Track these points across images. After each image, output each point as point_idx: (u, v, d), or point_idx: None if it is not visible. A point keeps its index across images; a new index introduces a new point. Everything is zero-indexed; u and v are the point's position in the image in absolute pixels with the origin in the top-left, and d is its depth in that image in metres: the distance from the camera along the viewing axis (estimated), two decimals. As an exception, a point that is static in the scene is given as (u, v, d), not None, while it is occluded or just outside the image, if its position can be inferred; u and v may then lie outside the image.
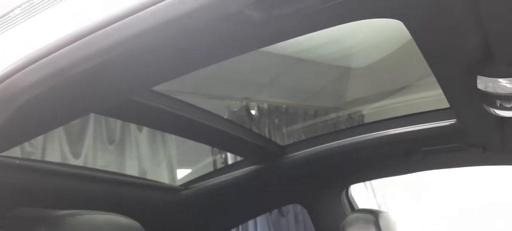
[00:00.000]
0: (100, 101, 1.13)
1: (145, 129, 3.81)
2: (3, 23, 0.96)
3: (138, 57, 0.94)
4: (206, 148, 4.23)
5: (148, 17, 0.80)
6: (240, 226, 4.14)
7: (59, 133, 3.27)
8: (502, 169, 3.64)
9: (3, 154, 1.46)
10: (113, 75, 0.99)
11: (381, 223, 1.72)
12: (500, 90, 1.18)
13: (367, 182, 4.70)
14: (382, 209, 4.34)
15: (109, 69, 0.95)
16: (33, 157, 2.81)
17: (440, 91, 1.40)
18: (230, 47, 0.97)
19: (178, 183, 2.83)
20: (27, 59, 0.87)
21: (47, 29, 0.89)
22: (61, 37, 0.86)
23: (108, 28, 0.84)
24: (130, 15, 0.82)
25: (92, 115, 3.44)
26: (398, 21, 0.97)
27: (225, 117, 3.55)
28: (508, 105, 1.24)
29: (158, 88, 1.45)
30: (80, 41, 0.85)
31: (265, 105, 4.33)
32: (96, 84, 1.00)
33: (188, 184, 2.13)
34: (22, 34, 0.93)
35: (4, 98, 0.89)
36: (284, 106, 4.41)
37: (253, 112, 4.30)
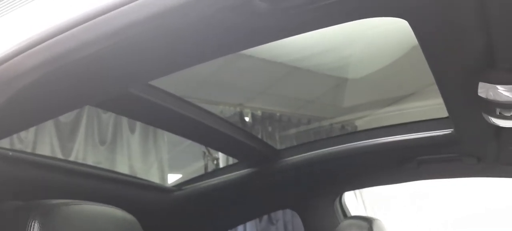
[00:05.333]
0: (98, 92, 1.12)
1: (137, 132, 3.79)
2: (5, 5, 0.94)
3: (139, 48, 0.93)
4: (198, 152, 4.21)
5: (152, 2, 0.79)
6: (229, 232, 4.12)
7: (50, 135, 3.24)
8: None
9: (-5, 144, 1.44)
10: (111, 64, 0.98)
11: (375, 230, 1.71)
12: (500, 98, 1.18)
13: (358, 193, 4.70)
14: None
15: (108, 58, 0.93)
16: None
17: (436, 102, 1.40)
18: (235, 40, 0.96)
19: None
20: (28, 42, 0.86)
21: (49, 12, 0.88)
22: (63, 21, 0.85)
23: (110, 13, 0.83)
24: (134, 1, 0.81)
25: (84, 119, 3.43)
26: (396, 32, 0.97)
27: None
28: (508, 114, 1.25)
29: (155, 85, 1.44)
30: (82, 26, 0.84)
31: (259, 113, 4.33)
32: (94, 73, 0.99)
33: (181, 185, 2.11)
34: (24, 17, 0.92)
35: (2, 81, 0.88)
36: (278, 114, 4.41)
37: (246, 119, 4.30)
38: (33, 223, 0.90)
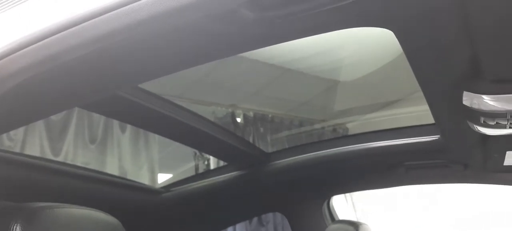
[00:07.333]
0: (87, 94, 1.12)
1: (127, 132, 3.78)
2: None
3: (127, 52, 0.94)
4: (189, 154, 4.21)
5: (140, 8, 0.80)
6: (219, 234, 4.11)
7: (40, 132, 3.22)
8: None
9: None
10: (101, 67, 0.98)
11: (361, 234, 1.73)
12: (484, 107, 1.19)
13: (348, 197, 4.72)
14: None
15: (97, 61, 0.94)
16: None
17: (424, 107, 1.41)
18: (221, 47, 0.97)
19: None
20: (16, 44, 0.86)
21: (39, 15, 0.88)
22: (53, 24, 0.85)
23: (100, 18, 0.83)
24: (123, 6, 0.81)
25: (74, 118, 3.41)
26: (387, 36, 0.98)
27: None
28: (492, 123, 1.26)
29: (145, 87, 1.44)
30: (71, 29, 0.84)
31: (251, 114, 4.34)
32: (83, 76, 0.99)
33: (169, 186, 2.11)
34: (13, 19, 0.92)
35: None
36: (270, 115, 4.42)
37: (238, 119, 4.30)
38: (15, 226, 0.90)
